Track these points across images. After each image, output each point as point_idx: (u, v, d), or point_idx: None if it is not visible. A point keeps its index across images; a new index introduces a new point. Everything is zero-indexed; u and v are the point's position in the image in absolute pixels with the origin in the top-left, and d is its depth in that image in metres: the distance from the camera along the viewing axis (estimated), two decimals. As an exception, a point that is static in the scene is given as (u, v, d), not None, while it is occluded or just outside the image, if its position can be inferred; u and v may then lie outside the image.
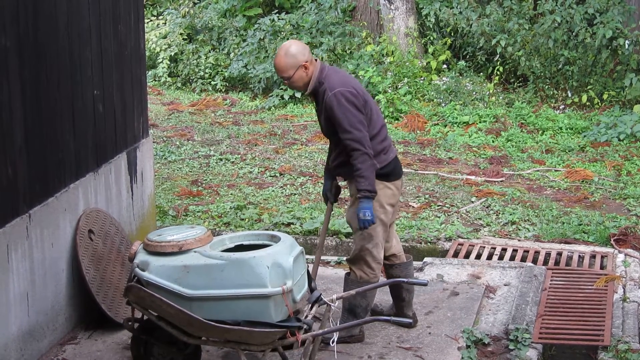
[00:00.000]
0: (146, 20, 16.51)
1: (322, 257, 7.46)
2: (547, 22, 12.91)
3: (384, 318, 5.10)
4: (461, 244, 7.76)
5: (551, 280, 6.91)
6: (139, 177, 7.06)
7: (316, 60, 5.44)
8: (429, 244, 7.82)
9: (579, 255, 7.49)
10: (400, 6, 14.67)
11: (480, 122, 12.14)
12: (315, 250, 7.78)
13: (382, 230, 5.54)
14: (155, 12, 17.88)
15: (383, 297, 6.12)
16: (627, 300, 6.46)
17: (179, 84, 15.56)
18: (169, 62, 15.70)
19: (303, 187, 9.61)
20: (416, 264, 6.86)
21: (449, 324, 5.99)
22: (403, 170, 5.80)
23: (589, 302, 6.51)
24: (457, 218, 8.47)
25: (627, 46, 12.62)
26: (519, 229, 8.19)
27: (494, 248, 7.69)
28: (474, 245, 7.74)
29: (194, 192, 9.32)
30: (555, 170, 10.18)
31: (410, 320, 5.30)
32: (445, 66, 14.27)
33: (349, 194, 5.73)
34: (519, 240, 7.89)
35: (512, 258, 7.50)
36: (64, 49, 5.74)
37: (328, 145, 5.76)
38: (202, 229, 5.19)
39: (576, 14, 12.78)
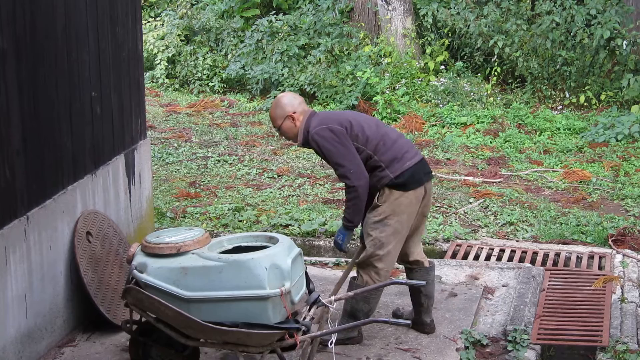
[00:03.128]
0: (144, 22, 16.52)
1: (321, 259, 7.47)
2: (545, 22, 12.92)
3: (382, 320, 5.09)
4: (459, 245, 7.76)
5: (549, 281, 6.91)
6: (137, 179, 7.06)
7: (313, 113, 5.57)
8: (427, 245, 7.81)
9: (577, 256, 7.49)
10: (398, 7, 14.68)
11: (478, 123, 12.15)
12: (313, 251, 7.80)
13: (395, 238, 5.51)
14: (152, 14, 17.87)
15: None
16: (625, 300, 6.46)
17: (177, 86, 15.56)
18: (166, 64, 15.69)
19: (301, 188, 9.61)
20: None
21: (447, 325, 5.99)
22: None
23: (587, 302, 6.51)
24: (455, 219, 8.47)
25: (624, 47, 12.62)
26: (517, 230, 8.19)
27: (492, 249, 7.69)
28: (472, 246, 7.74)
29: (192, 194, 9.32)
30: (553, 171, 10.19)
31: (409, 322, 5.17)
32: (442, 67, 14.27)
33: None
34: (517, 241, 7.89)
35: (510, 259, 7.50)
36: (62, 51, 5.74)
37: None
38: (200, 230, 5.19)
39: (577, 14, 12.78)
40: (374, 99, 12.93)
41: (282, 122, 5.53)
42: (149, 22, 16.87)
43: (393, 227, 5.47)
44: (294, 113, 5.51)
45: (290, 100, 5.55)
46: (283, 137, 5.68)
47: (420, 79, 13.74)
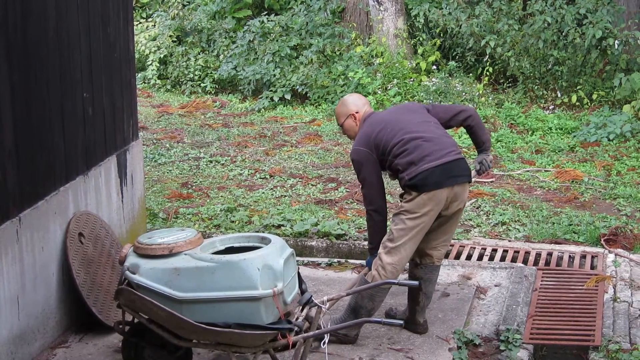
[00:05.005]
0: (135, 23, 16.49)
1: (313, 259, 7.46)
2: (538, 22, 12.93)
3: (375, 320, 5.09)
4: (452, 245, 7.75)
5: (542, 281, 6.92)
6: (129, 180, 7.05)
7: (369, 116, 5.76)
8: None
9: (570, 256, 7.50)
10: (390, 7, 14.69)
11: (470, 123, 12.14)
12: (305, 252, 7.80)
13: (406, 235, 5.52)
14: (144, 14, 17.85)
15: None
16: (618, 300, 6.47)
17: (169, 86, 15.55)
18: (158, 65, 15.68)
19: (293, 188, 9.61)
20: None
21: (439, 325, 5.99)
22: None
23: (579, 302, 6.52)
24: (448, 219, 8.46)
25: (616, 46, 12.64)
26: (509, 230, 8.20)
27: (485, 249, 7.69)
28: (464, 246, 7.74)
29: (184, 195, 9.31)
30: (545, 171, 10.20)
31: (402, 322, 5.18)
32: (434, 67, 14.28)
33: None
34: (509, 241, 7.90)
35: (503, 259, 7.50)
36: (53, 52, 5.73)
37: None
38: (193, 231, 5.19)
39: (567, 14, 12.80)
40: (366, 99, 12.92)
41: (344, 120, 5.80)
42: (140, 22, 16.85)
43: (405, 223, 5.51)
44: (357, 113, 5.77)
45: (355, 101, 5.84)
46: (346, 135, 5.93)
47: (412, 79, 13.74)
